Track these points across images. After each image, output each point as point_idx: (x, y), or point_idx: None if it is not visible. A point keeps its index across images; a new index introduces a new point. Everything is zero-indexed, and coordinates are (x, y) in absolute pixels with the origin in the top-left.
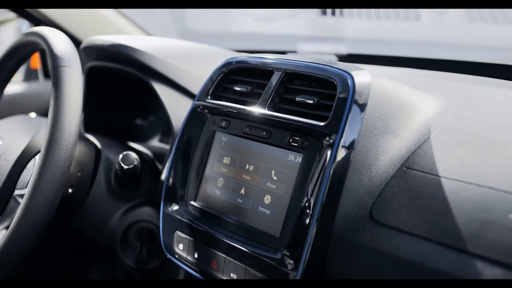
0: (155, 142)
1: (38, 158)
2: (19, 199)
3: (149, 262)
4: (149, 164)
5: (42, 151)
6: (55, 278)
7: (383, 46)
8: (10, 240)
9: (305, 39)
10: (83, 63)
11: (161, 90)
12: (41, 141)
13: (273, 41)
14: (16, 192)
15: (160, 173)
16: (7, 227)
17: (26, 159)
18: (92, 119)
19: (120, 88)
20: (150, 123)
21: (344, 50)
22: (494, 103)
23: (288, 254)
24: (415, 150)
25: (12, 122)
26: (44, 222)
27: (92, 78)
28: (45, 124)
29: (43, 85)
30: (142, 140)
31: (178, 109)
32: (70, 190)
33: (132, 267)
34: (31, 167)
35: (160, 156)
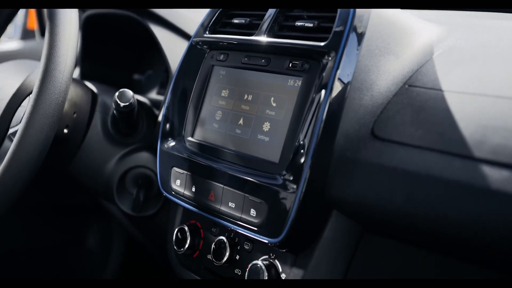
0: (153, 95)
1: (32, 93)
2: (13, 138)
3: (146, 209)
4: (147, 110)
5: (36, 84)
6: (53, 241)
7: None
8: (3, 174)
9: None
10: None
11: (159, 32)
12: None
13: None
14: (11, 130)
15: (157, 118)
16: None
17: (21, 97)
18: (89, 72)
19: (118, 40)
20: (148, 77)
21: None
22: (499, 29)
23: (287, 177)
24: (417, 70)
25: (6, 65)
26: (39, 157)
27: (89, 30)
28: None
29: (39, 43)
30: (140, 93)
31: (176, 51)
32: (65, 131)
33: (129, 214)
34: (26, 105)
35: (157, 105)
